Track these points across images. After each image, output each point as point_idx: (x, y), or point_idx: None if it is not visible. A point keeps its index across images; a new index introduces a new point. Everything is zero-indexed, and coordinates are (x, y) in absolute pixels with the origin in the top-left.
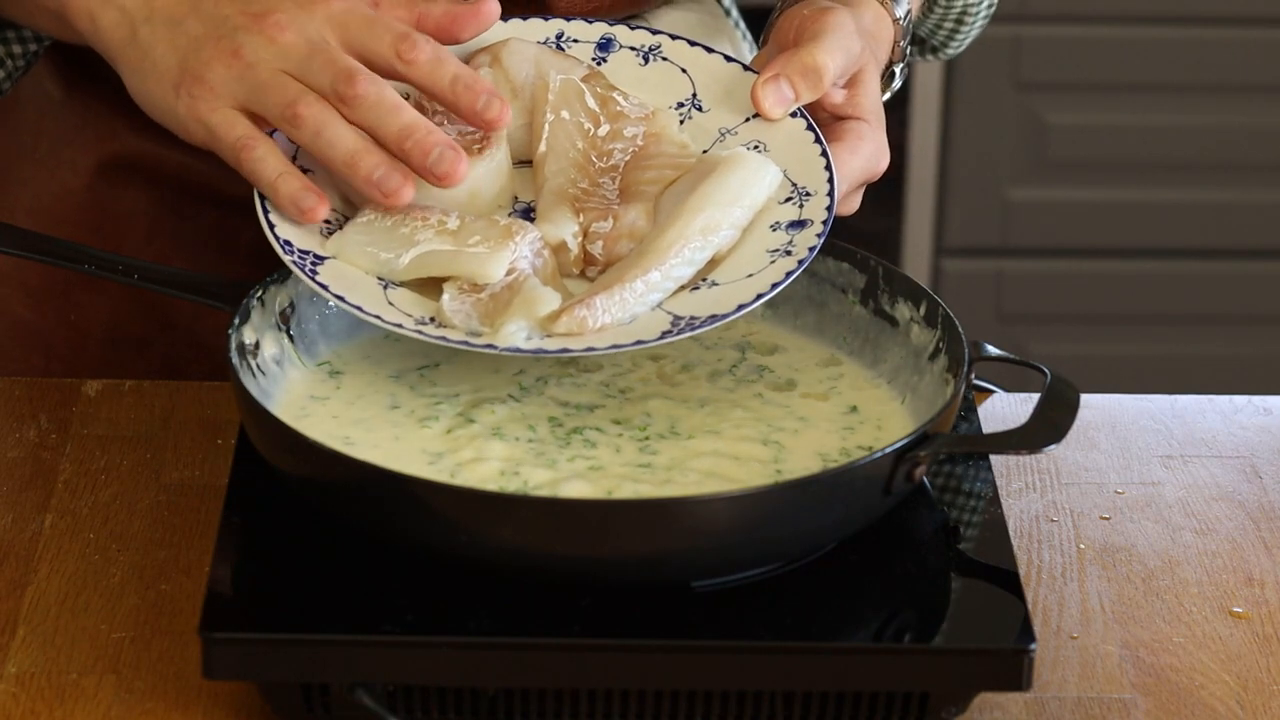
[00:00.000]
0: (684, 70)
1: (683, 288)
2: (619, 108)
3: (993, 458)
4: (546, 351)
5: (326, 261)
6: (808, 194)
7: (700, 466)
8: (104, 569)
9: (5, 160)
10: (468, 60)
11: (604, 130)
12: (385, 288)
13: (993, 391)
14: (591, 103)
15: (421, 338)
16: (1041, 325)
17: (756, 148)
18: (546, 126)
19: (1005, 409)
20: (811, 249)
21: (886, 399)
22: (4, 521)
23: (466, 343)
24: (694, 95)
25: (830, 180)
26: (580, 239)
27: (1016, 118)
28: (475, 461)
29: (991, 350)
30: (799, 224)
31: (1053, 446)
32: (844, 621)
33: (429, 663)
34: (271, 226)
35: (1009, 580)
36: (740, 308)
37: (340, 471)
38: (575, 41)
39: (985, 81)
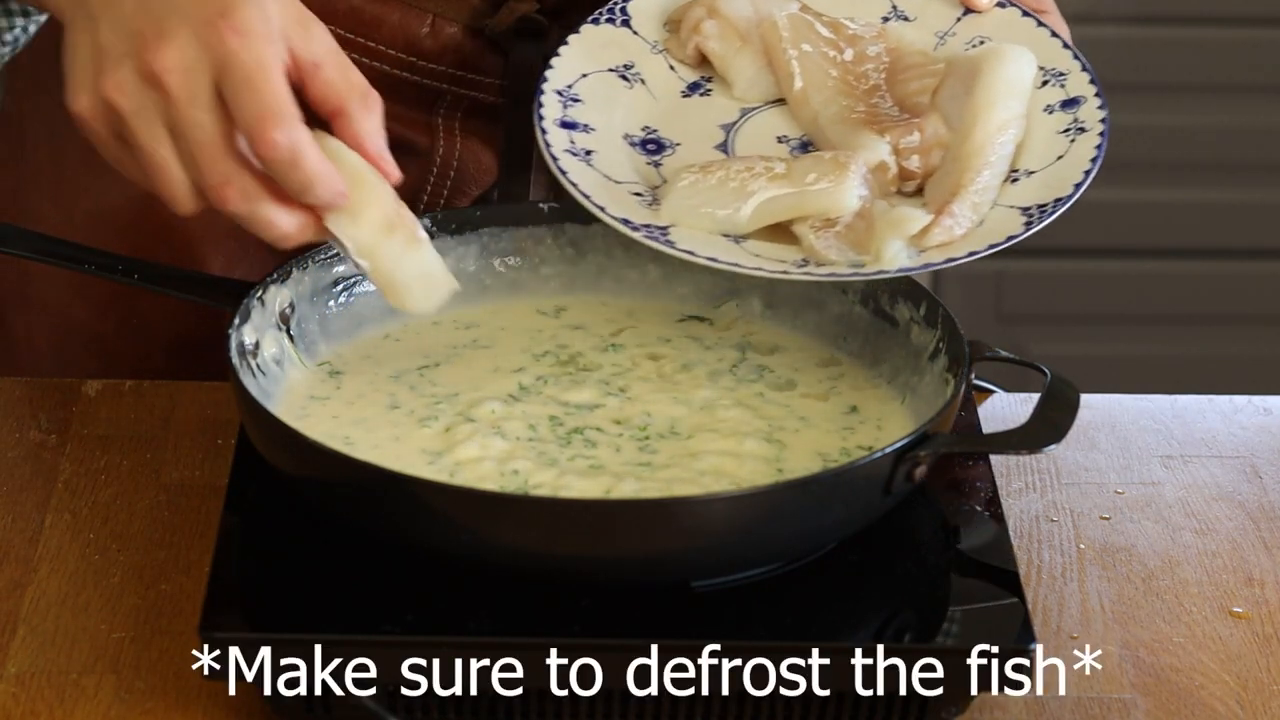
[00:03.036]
0: None
1: (1003, 183)
2: (851, 31)
3: (993, 458)
4: (933, 265)
5: (670, 230)
6: (1060, 73)
7: (700, 466)
8: (104, 569)
9: (67, 167)
10: (680, 15)
11: (849, 55)
12: (738, 242)
13: (993, 391)
14: (825, 31)
15: (817, 278)
16: (1041, 325)
17: (981, 43)
18: (794, 62)
19: (1005, 409)
20: (1103, 120)
21: (886, 399)
22: (4, 521)
23: (858, 273)
24: (894, 7)
25: (1075, 55)
26: (894, 157)
27: None
28: (475, 461)
29: (991, 350)
30: (1072, 101)
31: (1053, 446)
32: (844, 621)
33: (429, 663)
34: (602, 208)
35: (1009, 580)
36: (1078, 187)
37: (340, 471)
38: None
39: None
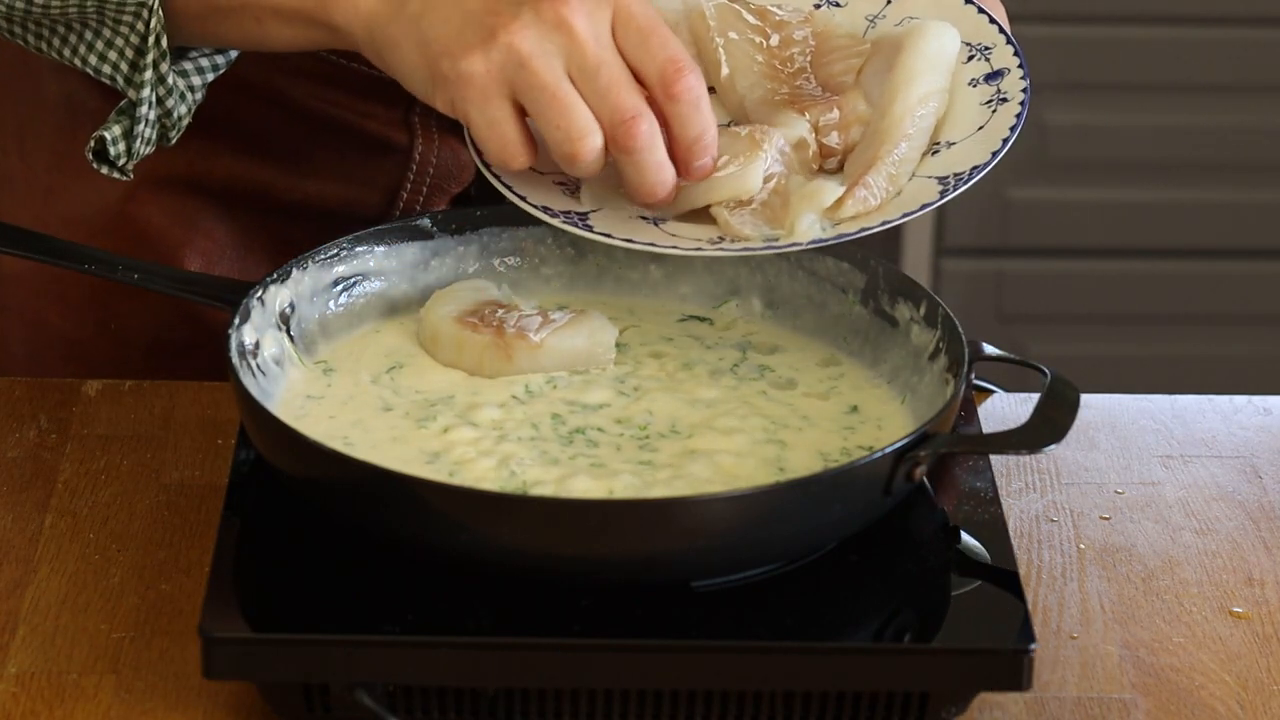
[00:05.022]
0: None
1: (923, 155)
2: (778, 17)
3: (993, 458)
4: (846, 236)
5: (591, 215)
6: (985, 47)
7: (701, 466)
8: (104, 569)
9: (39, 172)
10: None
11: (775, 40)
12: (656, 224)
13: (993, 391)
14: (751, 19)
15: (731, 254)
16: (1041, 325)
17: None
18: (721, 50)
19: (1005, 409)
20: (1024, 90)
21: (886, 399)
22: (4, 521)
23: (771, 246)
24: None
25: (1001, 29)
26: (814, 134)
27: None
28: (475, 460)
29: (991, 350)
30: (996, 74)
31: (1053, 446)
32: (844, 621)
33: (429, 663)
34: (523, 198)
35: (1009, 580)
36: (994, 155)
37: (340, 471)
38: None
39: None
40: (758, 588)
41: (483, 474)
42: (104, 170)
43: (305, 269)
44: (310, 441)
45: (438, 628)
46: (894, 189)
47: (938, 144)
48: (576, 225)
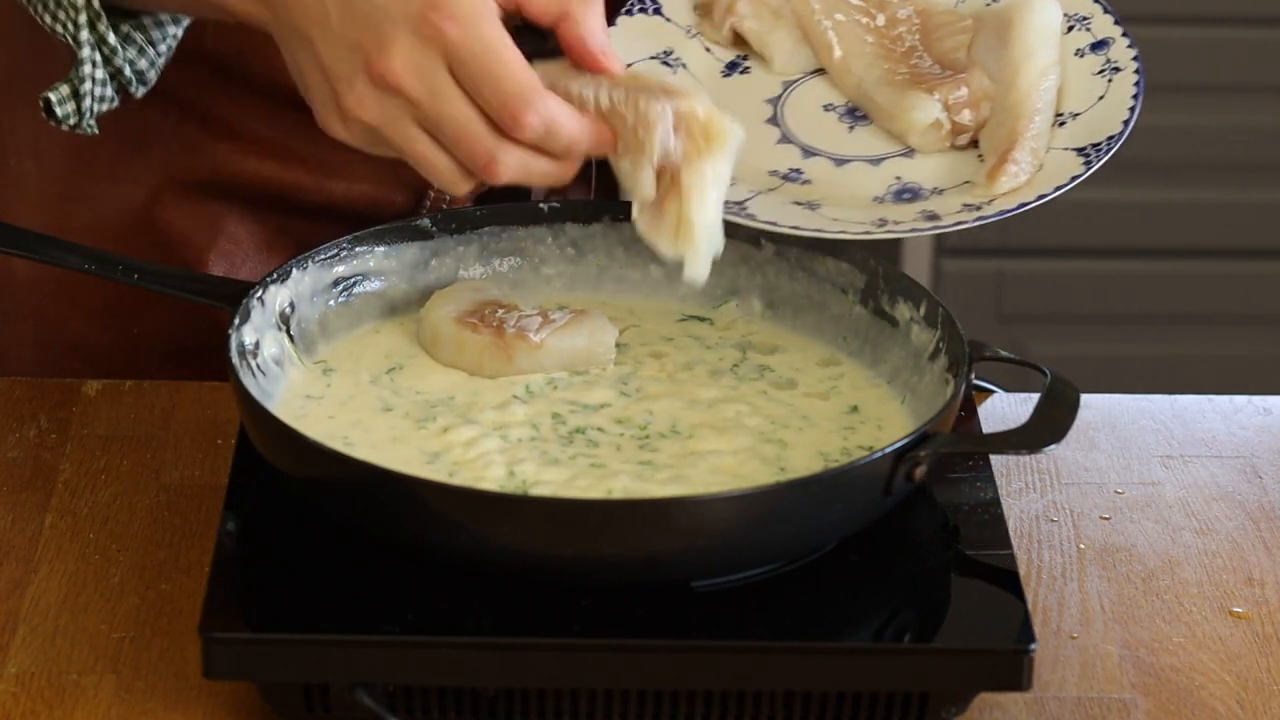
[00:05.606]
0: None
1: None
2: None
3: (993, 458)
4: (1007, 211)
5: (748, 202)
6: (1083, 17)
7: (701, 466)
8: (104, 569)
9: (55, 177)
10: None
11: (881, 20)
12: (813, 209)
13: (993, 391)
14: (854, 0)
15: (906, 235)
16: (1041, 325)
17: None
18: (830, 32)
19: (1005, 409)
20: (1135, 58)
21: (886, 399)
22: (4, 521)
23: (937, 226)
24: None
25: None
26: (946, 113)
27: None
28: (475, 461)
29: (991, 350)
30: (1101, 43)
31: (1053, 446)
32: (844, 621)
33: (429, 663)
34: None
35: (1009, 580)
36: (1126, 124)
37: (340, 471)
38: None
39: None
40: (758, 588)
41: (483, 474)
42: (61, 127)
43: (305, 269)
44: (310, 441)
45: (438, 628)
46: (1037, 162)
47: (1061, 116)
48: (738, 215)
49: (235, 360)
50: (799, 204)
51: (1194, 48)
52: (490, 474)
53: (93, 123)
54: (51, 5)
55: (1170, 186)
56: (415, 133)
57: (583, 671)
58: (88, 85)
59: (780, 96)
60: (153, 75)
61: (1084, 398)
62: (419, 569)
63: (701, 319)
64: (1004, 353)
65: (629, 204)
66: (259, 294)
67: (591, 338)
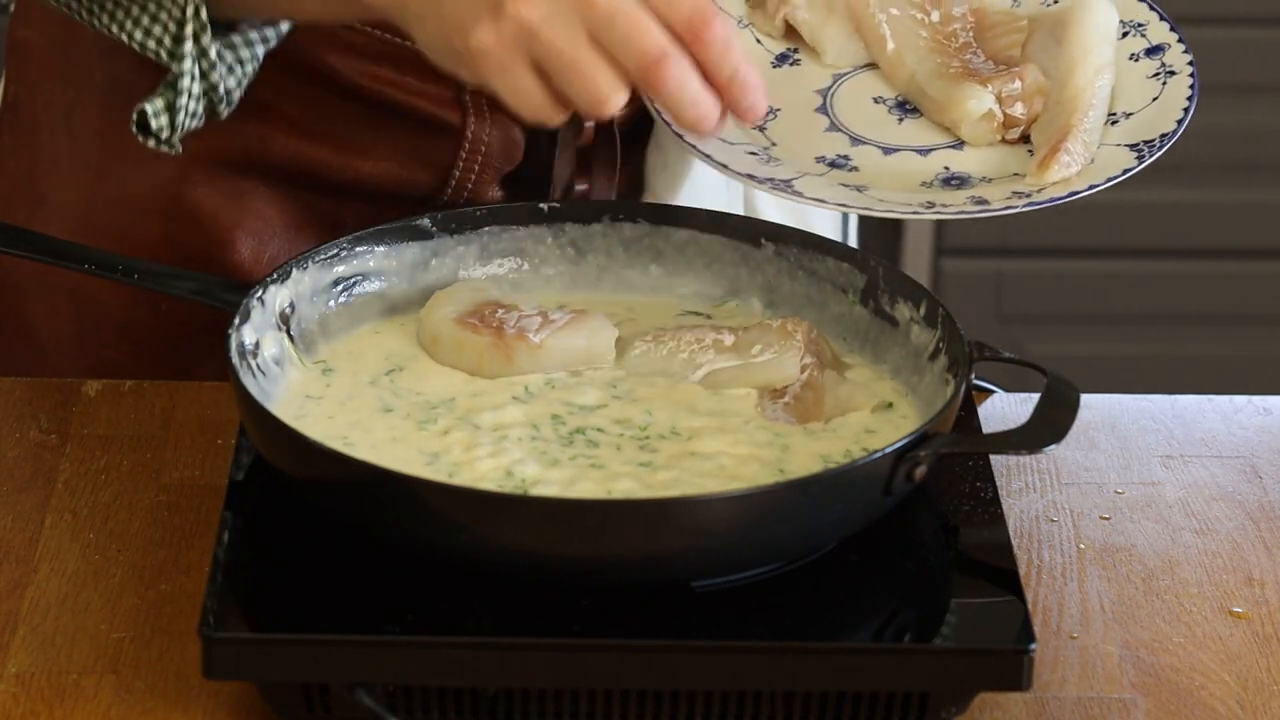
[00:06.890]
0: None
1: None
2: None
3: (993, 458)
4: (1057, 199)
5: (795, 181)
6: (1139, 24)
7: (701, 466)
8: (104, 569)
9: (87, 154)
10: None
11: (935, 16)
12: (860, 190)
13: (993, 391)
14: None
15: (953, 217)
16: (1041, 325)
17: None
18: (885, 26)
19: (1005, 409)
20: (1190, 63)
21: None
22: (4, 521)
23: (984, 210)
24: None
25: (1152, 6)
26: (999, 105)
27: None
28: (475, 461)
29: (991, 350)
30: (1156, 49)
31: (1053, 446)
32: (844, 621)
33: (429, 663)
34: (724, 165)
35: (1009, 580)
36: (1180, 123)
37: (340, 471)
38: None
39: None
40: (758, 588)
41: (483, 474)
42: (150, 144)
43: (305, 269)
44: (310, 441)
45: (438, 628)
46: (1089, 155)
47: (1114, 115)
48: (784, 191)
49: (235, 360)
50: (845, 186)
51: (1194, 48)
52: (490, 474)
53: (178, 141)
54: (146, 21)
55: (1170, 186)
56: (580, 36)
57: (583, 671)
58: (184, 99)
59: (830, 88)
60: (238, 95)
61: (1084, 398)
62: (419, 569)
63: (701, 317)
64: (1004, 353)
65: (629, 204)
66: (259, 294)
67: (591, 338)
